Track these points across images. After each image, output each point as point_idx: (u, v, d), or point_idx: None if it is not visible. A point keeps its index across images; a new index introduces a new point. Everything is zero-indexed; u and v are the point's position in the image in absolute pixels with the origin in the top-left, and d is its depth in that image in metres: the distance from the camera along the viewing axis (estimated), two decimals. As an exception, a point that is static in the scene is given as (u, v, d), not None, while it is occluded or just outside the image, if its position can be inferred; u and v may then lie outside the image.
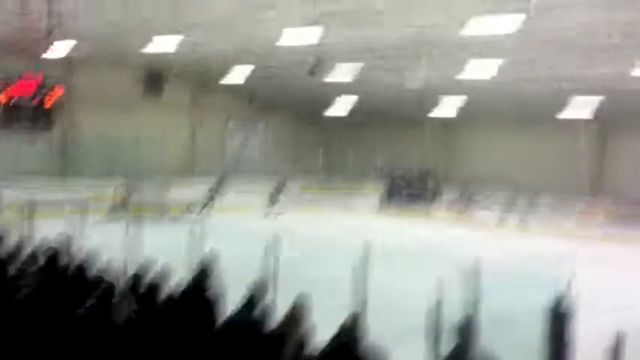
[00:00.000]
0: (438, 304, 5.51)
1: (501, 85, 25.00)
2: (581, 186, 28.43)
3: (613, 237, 24.39)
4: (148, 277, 7.37)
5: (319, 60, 21.26)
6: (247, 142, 28.71)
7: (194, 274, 7.56)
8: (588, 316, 8.30)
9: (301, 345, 5.69)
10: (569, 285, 5.76)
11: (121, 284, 7.35)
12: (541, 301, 6.96)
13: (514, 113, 28.99)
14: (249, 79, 27.09)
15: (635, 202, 26.17)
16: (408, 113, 30.95)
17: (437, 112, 29.03)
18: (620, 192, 27.27)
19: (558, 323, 5.66)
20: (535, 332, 6.98)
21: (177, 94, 31.26)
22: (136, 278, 7.46)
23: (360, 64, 24.00)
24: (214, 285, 7.27)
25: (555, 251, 21.34)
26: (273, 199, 29.40)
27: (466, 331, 5.47)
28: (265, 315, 6.50)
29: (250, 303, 6.59)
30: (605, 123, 28.15)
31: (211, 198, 27.32)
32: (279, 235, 7.90)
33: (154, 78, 30.53)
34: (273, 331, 6.10)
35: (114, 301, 6.76)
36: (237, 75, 26.77)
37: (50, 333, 6.31)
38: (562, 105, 25.27)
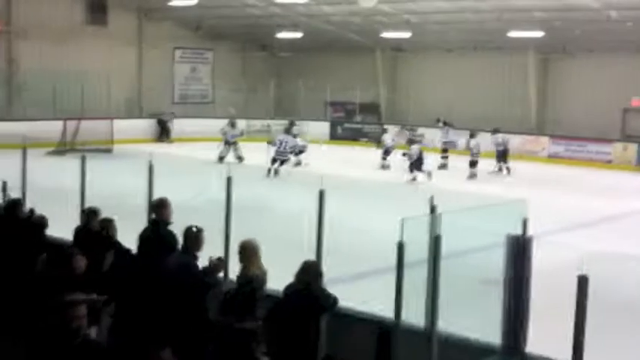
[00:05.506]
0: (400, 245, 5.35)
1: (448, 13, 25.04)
2: (524, 121, 28.23)
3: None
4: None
5: None
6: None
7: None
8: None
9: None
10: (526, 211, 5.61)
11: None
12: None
13: (461, 41, 28.72)
14: (195, 6, 26.24)
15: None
16: (356, 40, 30.50)
17: (387, 35, 28.59)
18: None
19: (519, 249, 5.59)
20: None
21: (121, 22, 30.00)
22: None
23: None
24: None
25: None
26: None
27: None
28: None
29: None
30: (548, 52, 28.15)
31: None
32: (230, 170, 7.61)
33: (97, 4, 29.11)
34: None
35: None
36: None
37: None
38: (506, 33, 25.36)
